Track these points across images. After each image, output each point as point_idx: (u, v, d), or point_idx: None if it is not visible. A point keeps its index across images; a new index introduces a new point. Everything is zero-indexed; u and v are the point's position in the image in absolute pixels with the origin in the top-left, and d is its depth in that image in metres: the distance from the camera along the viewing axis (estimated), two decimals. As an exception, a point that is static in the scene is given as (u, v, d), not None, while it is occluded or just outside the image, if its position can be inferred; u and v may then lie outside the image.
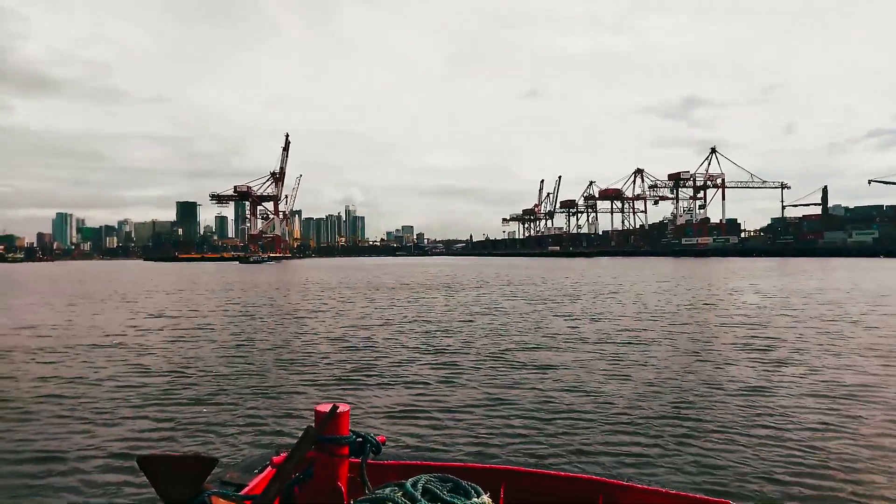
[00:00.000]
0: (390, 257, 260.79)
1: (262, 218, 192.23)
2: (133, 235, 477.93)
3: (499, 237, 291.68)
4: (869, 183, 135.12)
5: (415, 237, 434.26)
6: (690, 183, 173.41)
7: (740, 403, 8.71)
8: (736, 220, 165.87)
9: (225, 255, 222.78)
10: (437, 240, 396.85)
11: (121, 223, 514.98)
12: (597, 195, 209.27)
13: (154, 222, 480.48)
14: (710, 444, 6.99)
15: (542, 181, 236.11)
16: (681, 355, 12.76)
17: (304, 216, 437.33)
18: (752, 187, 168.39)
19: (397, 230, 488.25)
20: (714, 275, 51.25)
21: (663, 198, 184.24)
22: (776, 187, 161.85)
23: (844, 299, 25.45)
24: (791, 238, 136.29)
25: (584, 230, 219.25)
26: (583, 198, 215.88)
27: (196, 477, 2.73)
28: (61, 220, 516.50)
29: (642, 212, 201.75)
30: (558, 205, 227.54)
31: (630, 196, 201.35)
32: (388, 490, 2.93)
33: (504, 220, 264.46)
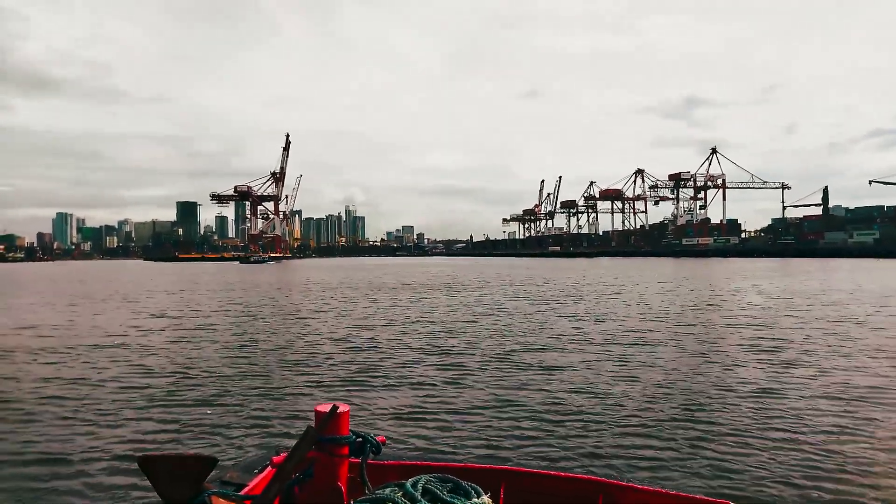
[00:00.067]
0: (390, 257, 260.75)
1: (263, 218, 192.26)
2: (133, 235, 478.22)
3: (499, 237, 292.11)
4: (870, 183, 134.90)
5: (415, 237, 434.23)
6: (691, 183, 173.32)
7: (752, 406, 8.60)
8: (736, 220, 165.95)
9: (225, 255, 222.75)
10: (438, 240, 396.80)
11: (121, 223, 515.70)
12: (597, 195, 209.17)
13: (154, 222, 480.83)
14: (724, 447, 6.88)
15: (543, 181, 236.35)
16: (688, 356, 12.65)
17: (303, 216, 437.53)
18: (753, 188, 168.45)
19: (397, 230, 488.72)
20: (715, 275, 51.13)
21: (664, 198, 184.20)
22: (777, 188, 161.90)
23: (848, 300, 25.34)
24: (792, 238, 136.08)
25: (585, 230, 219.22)
26: (583, 198, 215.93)
27: (196, 477, 2.72)
28: (61, 220, 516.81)
29: (643, 212, 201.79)
30: (559, 205, 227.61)
31: (630, 196, 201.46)
32: (388, 490, 2.92)
33: (504, 220, 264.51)
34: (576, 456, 6.68)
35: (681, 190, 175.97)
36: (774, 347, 13.58)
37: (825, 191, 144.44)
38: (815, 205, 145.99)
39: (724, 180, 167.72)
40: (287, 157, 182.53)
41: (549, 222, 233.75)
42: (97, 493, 5.87)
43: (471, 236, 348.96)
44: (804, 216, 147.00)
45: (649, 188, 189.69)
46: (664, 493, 3.50)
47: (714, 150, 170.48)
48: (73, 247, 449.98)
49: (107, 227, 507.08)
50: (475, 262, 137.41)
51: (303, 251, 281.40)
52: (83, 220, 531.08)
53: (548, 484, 3.66)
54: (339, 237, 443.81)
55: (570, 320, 19.50)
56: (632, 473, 6.12)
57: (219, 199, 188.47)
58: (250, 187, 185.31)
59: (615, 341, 14.76)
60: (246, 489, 3.32)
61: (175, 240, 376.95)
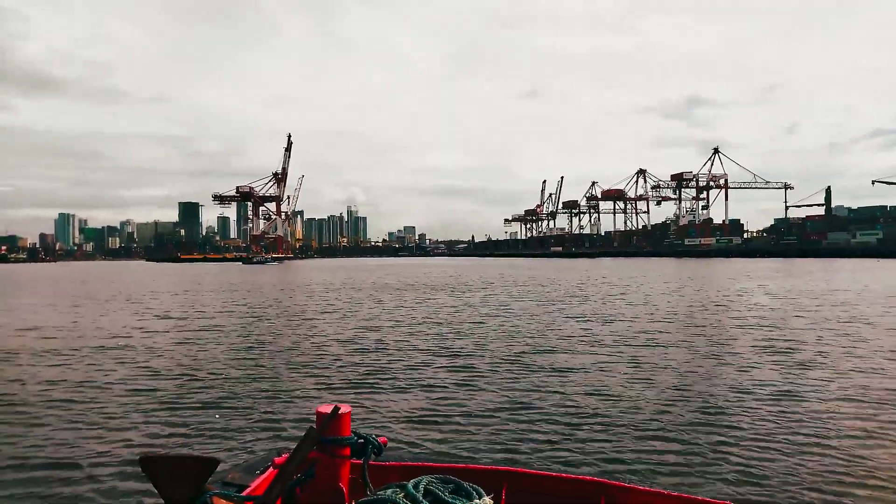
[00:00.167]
0: (392, 258, 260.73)
1: (265, 218, 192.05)
2: (135, 236, 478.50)
3: (499, 237, 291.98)
4: (872, 183, 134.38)
5: (416, 238, 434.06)
6: (693, 183, 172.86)
7: (772, 409, 8.42)
8: (739, 220, 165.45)
9: (227, 255, 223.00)
10: (439, 240, 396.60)
11: (123, 224, 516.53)
12: (599, 196, 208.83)
13: (156, 223, 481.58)
14: (747, 451, 6.70)
15: (545, 182, 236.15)
16: (701, 358, 12.48)
17: (304, 217, 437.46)
18: (755, 188, 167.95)
19: (399, 231, 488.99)
20: (719, 276, 50.92)
21: (666, 198, 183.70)
22: (779, 188, 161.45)
23: (857, 300, 25.14)
24: (795, 239, 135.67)
25: (587, 231, 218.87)
26: (585, 198, 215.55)
27: (196, 477, 2.71)
28: (64, 221, 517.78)
29: (645, 212, 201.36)
30: (560, 205, 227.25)
31: (633, 197, 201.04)
32: (389, 491, 2.92)
33: (506, 220, 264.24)
34: (596, 461, 6.52)
35: (683, 190, 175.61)
36: (788, 349, 13.40)
37: (828, 191, 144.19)
38: (818, 205, 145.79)
39: (726, 180, 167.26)
40: (289, 157, 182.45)
41: (551, 223, 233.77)
42: (106, 498, 5.74)
43: (472, 237, 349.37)
44: (807, 216, 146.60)
45: (651, 188, 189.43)
46: (666, 495, 3.48)
47: (716, 150, 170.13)
48: (76, 248, 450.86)
49: (109, 227, 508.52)
50: (477, 262, 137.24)
51: (305, 252, 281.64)
52: (85, 221, 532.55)
53: (550, 485, 3.65)
54: (341, 238, 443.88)
55: (577, 321, 19.33)
56: (654, 479, 5.96)
57: (221, 199, 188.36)
58: (252, 188, 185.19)
59: (626, 343, 14.59)
60: (248, 490, 3.33)
61: (177, 240, 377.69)
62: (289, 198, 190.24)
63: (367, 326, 18.69)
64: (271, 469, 3.50)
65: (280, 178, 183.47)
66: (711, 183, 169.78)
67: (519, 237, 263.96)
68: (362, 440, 3.13)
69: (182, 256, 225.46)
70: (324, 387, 10.31)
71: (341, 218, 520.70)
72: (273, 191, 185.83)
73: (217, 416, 8.46)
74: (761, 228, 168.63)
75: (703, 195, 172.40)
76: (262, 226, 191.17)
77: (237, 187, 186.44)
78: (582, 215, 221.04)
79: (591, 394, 9.45)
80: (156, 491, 2.73)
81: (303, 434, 2.94)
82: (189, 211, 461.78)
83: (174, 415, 8.56)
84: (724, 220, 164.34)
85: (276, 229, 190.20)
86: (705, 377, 10.60)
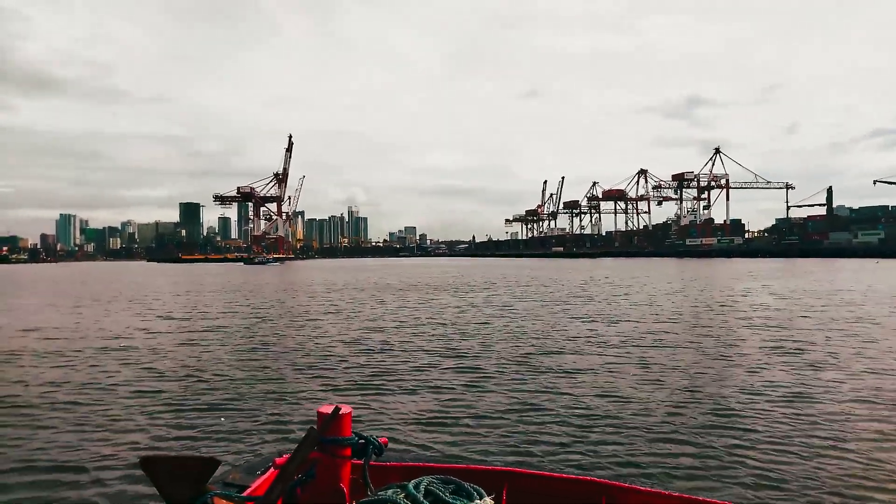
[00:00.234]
0: (393, 258, 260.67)
1: (266, 219, 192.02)
2: (136, 237, 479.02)
3: (500, 237, 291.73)
4: (874, 183, 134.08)
5: (417, 238, 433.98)
6: (694, 183, 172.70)
7: (785, 411, 8.31)
8: (740, 220, 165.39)
9: (228, 256, 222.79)
10: (440, 240, 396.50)
11: (124, 224, 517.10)
12: (600, 196, 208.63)
13: (157, 223, 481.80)
14: (762, 454, 6.59)
15: (546, 182, 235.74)
16: (710, 359, 12.36)
17: (305, 217, 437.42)
18: (757, 188, 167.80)
19: (400, 231, 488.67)
20: (722, 276, 50.79)
21: (667, 198, 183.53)
22: (780, 188, 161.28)
23: (862, 300, 25.02)
24: (796, 239, 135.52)
25: (588, 231, 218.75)
26: (586, 198, 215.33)
27: (196, 478, 2.70)
28: (65, 221, 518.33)
29: (646, 212, 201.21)
30: (561, 205, 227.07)
31: (634, 197, 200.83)
32: (390, 492, 2.93)
33: (507, 220, 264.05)
34: (609, 465, 6.41)
35: (684, 190, 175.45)
36: (797, 349, 13.28)
37: (829, 191, 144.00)
38: (819, 205, 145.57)
39: (727, 180, 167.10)
40: (290, 157, 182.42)
41: (552, 223, 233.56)
42: (112, 502, 5.65)
43: (473, 237, 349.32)
44: (808, 216, 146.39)
45: (652, 188, 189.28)
46: (666, 495, 3.47)
47: (718, 151, 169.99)
48: (77, 248, 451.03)
49: (110, 228, 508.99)
50: (478, 262, 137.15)
51: (306, 252, 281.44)
52: (86, 222, 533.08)
53: (550, 485, 3.66)
54: (342, 238, 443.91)
55: (583, 322, 19.22)
56: (670, 483, 5.85)
57: (222, 200, 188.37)
58: (253, 188, 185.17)
59: (633, 343, 14.47)
60: (248, 490, 3.33)
61: (178, 241, 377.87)
62: (289, 198, 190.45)
63: (371, 327, 18.59)
64: (272, 469, 3.50)
65: (281, 178, 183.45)
66: (713, 183, 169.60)
67: (520, 237, 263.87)
68: (363, 441, 3.14)
69: (183, 257, 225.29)
70: (329, 388, 10.22)
71: (342, 218, 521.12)
72: (274, 191, 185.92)
73: (222, 418, 8.36)
74: (762, 228, 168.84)
75: (705, 195, 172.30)
76: (263, 226, 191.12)
77: (238, 188, 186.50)
78: (583, 215, 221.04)
79: (600, 395, 9.34)
80: (157, 491, 2.71)
81: (303, 434, 2.92)
82: (190, 211, 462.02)
83: (179, 417, 8.47)
84: (725, 221, 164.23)
85: (277, 230, 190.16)
86: (715, 378, 10.49)
